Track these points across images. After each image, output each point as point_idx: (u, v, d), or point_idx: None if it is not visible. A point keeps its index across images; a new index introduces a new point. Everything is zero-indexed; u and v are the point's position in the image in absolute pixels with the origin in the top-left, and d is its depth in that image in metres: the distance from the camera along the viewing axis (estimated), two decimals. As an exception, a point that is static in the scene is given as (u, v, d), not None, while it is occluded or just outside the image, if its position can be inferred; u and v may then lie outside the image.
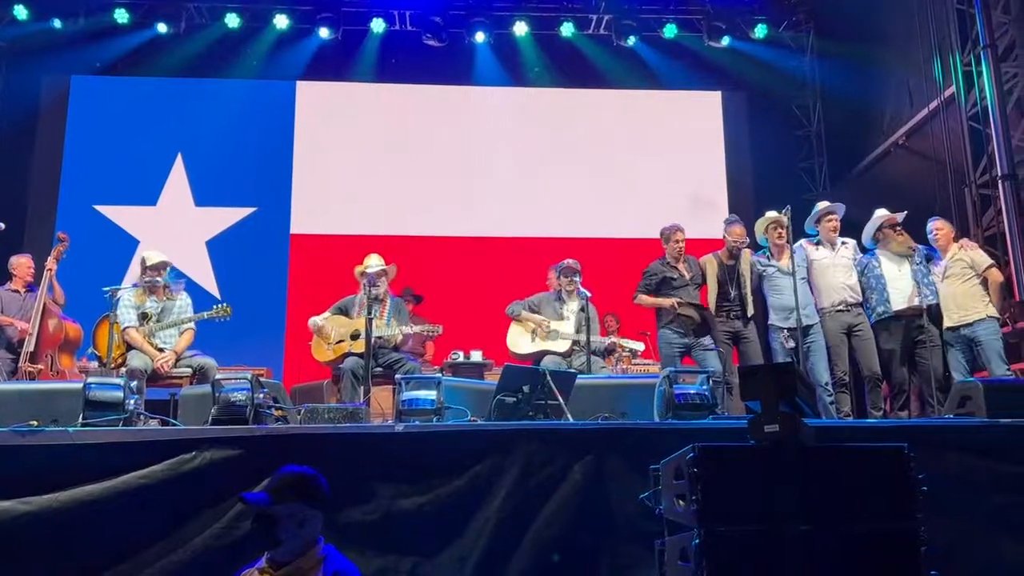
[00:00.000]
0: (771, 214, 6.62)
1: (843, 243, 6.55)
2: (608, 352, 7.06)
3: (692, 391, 4.46)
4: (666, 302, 6.42)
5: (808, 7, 11.14)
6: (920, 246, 6.44)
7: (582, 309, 6.62)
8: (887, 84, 9.83)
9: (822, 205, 6.72)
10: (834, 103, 10.81)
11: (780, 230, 6.47)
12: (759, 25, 10.80)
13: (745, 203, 10.34)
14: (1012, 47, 7.86)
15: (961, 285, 6.14)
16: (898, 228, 6.38)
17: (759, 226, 6.69)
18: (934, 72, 8.60)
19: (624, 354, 7.77)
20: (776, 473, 2.67)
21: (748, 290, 6.49)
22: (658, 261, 6.69)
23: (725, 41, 10.73)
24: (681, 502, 2.76)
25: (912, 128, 9.28)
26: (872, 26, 9.90)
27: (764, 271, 6.56)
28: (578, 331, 6.53)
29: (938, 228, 6.39)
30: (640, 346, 6.95)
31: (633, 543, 3.65)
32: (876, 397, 6.17)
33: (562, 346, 6.53)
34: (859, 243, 6.64)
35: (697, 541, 2.60)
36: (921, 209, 6.63)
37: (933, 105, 8.63)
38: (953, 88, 8.31)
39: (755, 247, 6.80)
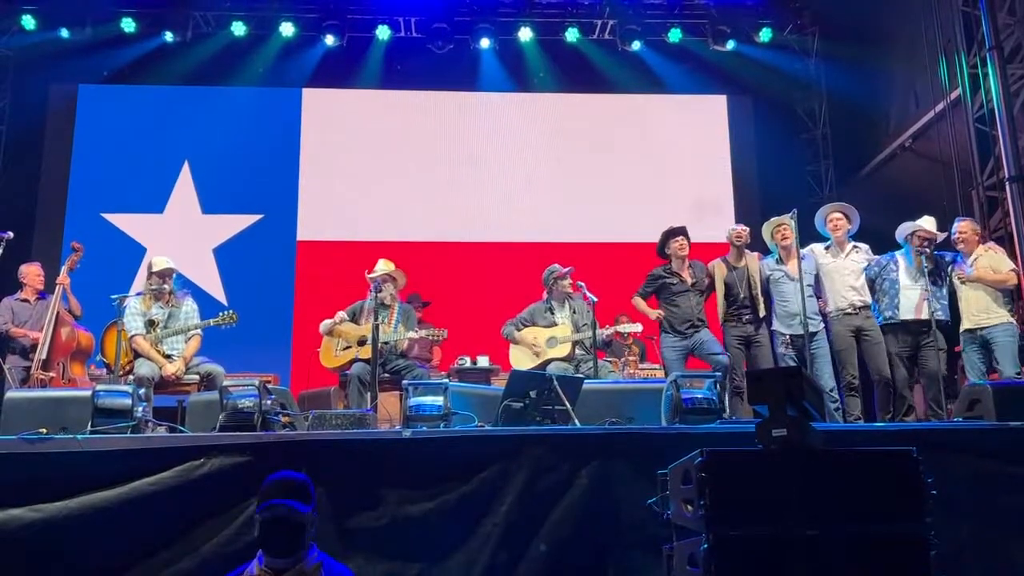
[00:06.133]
0: (776, 219, 6.62)
1: (855, 247, 6.51)
2: (607, 343, 7.03)
3: (699, 395, 4.45)
4: (652, 314, 6.49)
5: (813, 10, 11.14)
6: (945, 253, 6.39)
7: (574, 311, 6.63)
8: (892, 87, 9.82)
9: (827, 206, 6.70)
10: (840, 106, 10.80)
11: (785, 231, 6.46)
12: (764, 29, 10.79)
13: (751, 207, 10.36)
14: (1018, 49, 7.83)
15: (982, 288, 6.10)
16: (927, 244, 6.20)
17: (765, 231, 6.69)
18: (940, 74, 8.57)
19: (627, 351, 7.74)
20: (784, 477, 2.67)
21: (758, 291, 6.46)
22: (661, 267, 6.70)
23: (730, 45, 10.76)
24: (689, 507, 2.76)
25: (918, 131, 9.25)
26: (877, 29, 9.89)
27: (772, 275, 6.54)
28: (577, 331, 6.56)
29: (961, 230, 6.31)
30: (638, 327, 6.87)
31: (641, 548, 3.64)
32: (885, 400, 6.12)
33: (564, 350, 6.53)
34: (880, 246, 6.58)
35: (706, 546, 2.60)
36: (928, 212, 6.59)
37: (939, 107, 8.60)
38: (959, 90, 8.28)
39: (765, 251, 6.79)
